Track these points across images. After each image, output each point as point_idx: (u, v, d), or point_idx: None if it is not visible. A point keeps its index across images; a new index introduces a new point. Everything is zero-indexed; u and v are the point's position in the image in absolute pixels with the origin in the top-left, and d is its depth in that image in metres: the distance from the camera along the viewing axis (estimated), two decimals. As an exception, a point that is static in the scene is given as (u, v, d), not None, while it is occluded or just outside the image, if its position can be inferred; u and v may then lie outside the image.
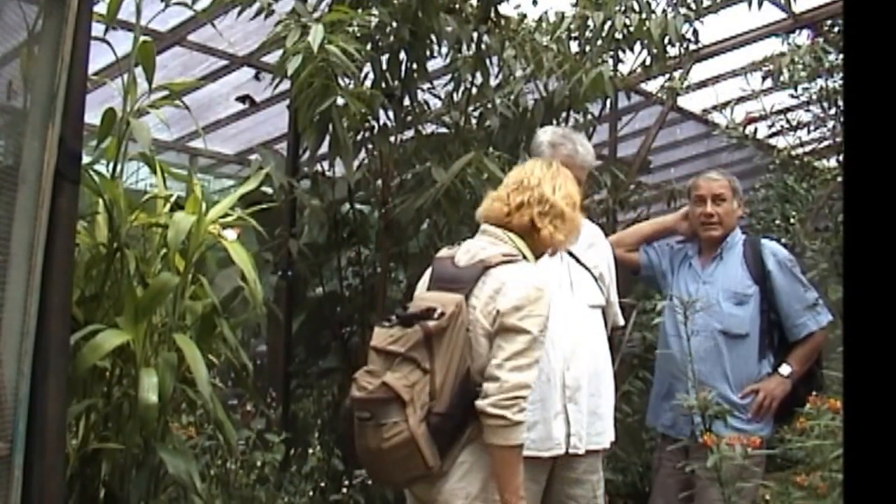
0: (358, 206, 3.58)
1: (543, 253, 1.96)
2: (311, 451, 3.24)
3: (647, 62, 3.39)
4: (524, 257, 1.87)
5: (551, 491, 2.19)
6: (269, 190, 3.44)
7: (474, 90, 3.20)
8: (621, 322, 2.54)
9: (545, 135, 2.39)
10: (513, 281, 1.77)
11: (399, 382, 1.68)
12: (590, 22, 3.28)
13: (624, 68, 3.52)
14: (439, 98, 3.37)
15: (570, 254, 2.32)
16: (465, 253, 1.89)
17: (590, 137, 3.59)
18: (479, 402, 1.69)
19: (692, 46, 3.48)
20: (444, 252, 1.96)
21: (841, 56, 3.48)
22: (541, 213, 1.88)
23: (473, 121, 3.27)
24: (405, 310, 1.81)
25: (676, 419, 2.55)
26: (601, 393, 2.26)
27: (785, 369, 2.57)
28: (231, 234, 2.49)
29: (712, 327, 2.56)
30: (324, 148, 2.83)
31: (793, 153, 4.00)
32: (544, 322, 1.77)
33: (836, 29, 4.13)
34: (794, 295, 2.58)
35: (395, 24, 2.96)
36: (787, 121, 3.95)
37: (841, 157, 3.65)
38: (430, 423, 1.69)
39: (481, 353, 1.76)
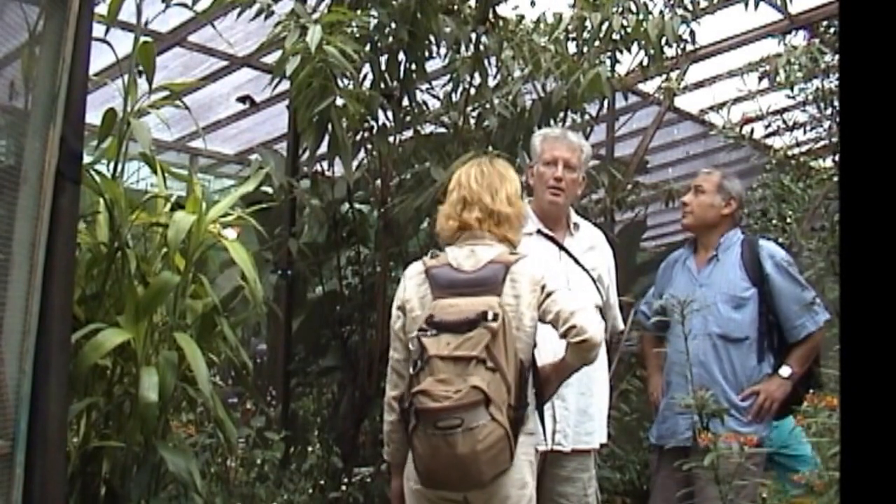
0: (357, 205, 3.59)
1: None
2: (310, 448, 3.26)
3: (645, 63, 3.39)
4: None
5: (542, 488, 2.19)
6: (269, 189, 3.46)
7: (473, 90, 3.21)
8: (621, 326, 2.54)
9: (540, 132, 2.50)
10: (540, 268, 1.94)
11: (483, 384, 1.74)
12: (587, 23, 3.28)
13: (621, 69, 3.52)
14: (438, 98, 3.38)
15: (569, 254, 2.33)
16: (467, 258, 1.92)
17: (587, 137, 3.60)
18: (590, 335, 1.81)
19: (689, 47, 3.48)
20: (431, 262, 1.97)
21: (836, 57, 3.49)
22: (496, 223, 1.97)
23: (472, 121, 3.28)
24: (431, 319, 1.82)
25: (677, 424, 2.54)
26: (592, 392, 2.26)
27: (785, 371, 2.56)
28: (231, 234, 2.51)
29: (710, 331, 2.56)
30: (323, 148, 2.84)
31: (789, 153, 4.01)
32: None
33: (831, 30, 4.16)
34: (793, 297, 2.57)
35: (393, 25, 2.97)
36: (784, 121, 3.97)
37: (837, 157, 3.67)
38: (509, 418, 1.78)
39: (529, 343, 1.89)
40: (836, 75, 3.51)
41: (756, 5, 3.50)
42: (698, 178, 2.77)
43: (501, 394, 1.76)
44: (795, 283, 2.61)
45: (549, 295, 1.88)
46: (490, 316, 1.77)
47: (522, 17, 3.37)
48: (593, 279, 2.34)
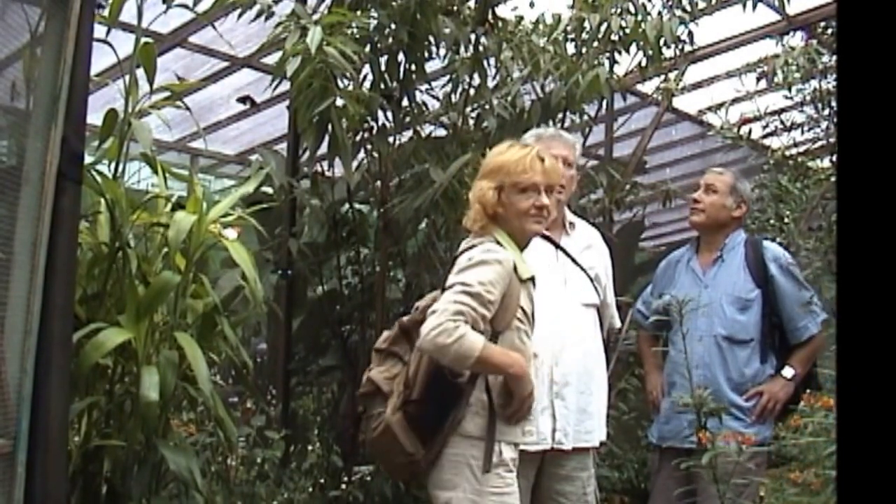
0: (357, 205, 3.60)
1: (527, 243, 1.93)
2: (310, 447, 3.27)
3: (643, 63, 3.41)
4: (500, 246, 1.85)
5: (540, 487, 2.20)
6: (269, 190, 3.47)
7: (472, 91, 3.22)
8: (618, 324, 2.56)
9: (532, 132, 2.49)
10: (469, 255, 1.80)
11: (381, 376, 1.81)
12: (586, 24, 3.29)
13: (620, 70, 3.53)
14: (437, 99, 3.39)
15: (566, 253, 2.34)
16: None
17: (586, 138, 3.62)
18: (420, 341, 1.68)
19: (687, 48, 3.49)
20: None
21: (834, 57, 3.51)
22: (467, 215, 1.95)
23: (471, 122, 3.29)
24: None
25: (681, 424, 2.53)
26: (591, 391, 2.27)
27: (788, 372, 2.56)
28: (232, 234, 2.52)
29: (715, 332, 2.56)
30: (323, 148, 2.86)
31: (787, 153, 4.03)
32: (489, 278, 1.74)
33: (829, 31, 4.17)
34: (796, 299, 2.57)
35: (393, 26, 2.98)
36: (781, 121, 3.99)
37: (834, 158, 3.68)
38: (406, 412, 1.76)
39: None
40: (834, 76, 3.52)
41: (754, 6, 3.52)
42: (709, 177, 2.72)
43: (399, 387, 1.78)
44: (798, 284, 2.61)
45: (444, 290, 1.77)
46: (414, 310, 1.85)
47: (521, 17, 3.38)
48: (590, 278, 2.34)
